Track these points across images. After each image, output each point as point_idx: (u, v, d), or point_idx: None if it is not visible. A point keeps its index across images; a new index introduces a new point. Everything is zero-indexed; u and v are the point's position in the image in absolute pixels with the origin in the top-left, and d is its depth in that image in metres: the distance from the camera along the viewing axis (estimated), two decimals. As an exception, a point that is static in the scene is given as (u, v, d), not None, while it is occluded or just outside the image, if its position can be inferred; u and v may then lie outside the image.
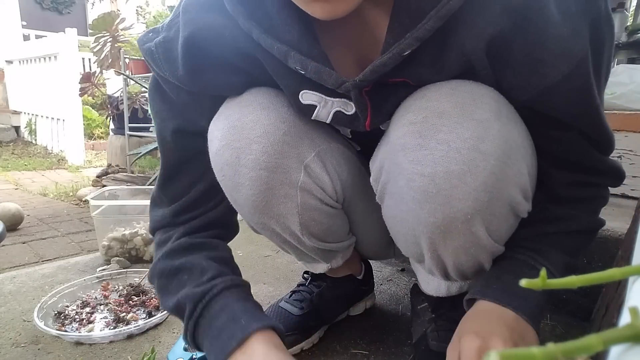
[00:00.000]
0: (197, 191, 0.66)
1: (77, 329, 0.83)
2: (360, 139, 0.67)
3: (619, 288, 0.65)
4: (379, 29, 0.51)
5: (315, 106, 0.56)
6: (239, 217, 0.70)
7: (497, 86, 0.51)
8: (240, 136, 0.56)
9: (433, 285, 0.66)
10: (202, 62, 0.55)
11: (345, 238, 0.73)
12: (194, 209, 0.66)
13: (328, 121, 0.57)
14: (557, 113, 0.51)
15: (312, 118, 0.57)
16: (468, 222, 0.48)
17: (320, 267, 0.74)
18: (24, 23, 6.99)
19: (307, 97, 0.55)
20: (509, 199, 0.49)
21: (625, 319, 0.16)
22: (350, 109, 0.54)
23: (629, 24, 2.02)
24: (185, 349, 0.75)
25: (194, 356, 0.72)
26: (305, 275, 0.87)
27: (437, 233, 0.50)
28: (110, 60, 3.24)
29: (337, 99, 0.54)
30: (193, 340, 0.59)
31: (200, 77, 0.57)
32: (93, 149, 4.65)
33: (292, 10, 0.47)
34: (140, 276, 1.02)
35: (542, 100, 0.50)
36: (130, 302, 0.92)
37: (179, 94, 0.60)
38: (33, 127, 4.62)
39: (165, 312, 0.88)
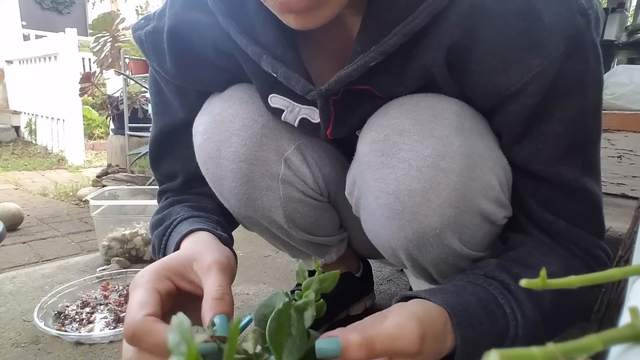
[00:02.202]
0: (178, 183, 0.69)
1: (77, 329, 0.83)
2: (339, 142, 0.67)
3: (618, 288, 0.65)
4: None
5: (283, 110, 0.56)
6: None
7: (463, 96, 0.50)
8: (221, 129, 0.58)
9: (424, 288, 0.66)
10: (186, 56, 0.57)
11: (336, 232, 0.73)
12: (180, 193, 0.69)
13: (295, 125, 0.58)
14: (512, 132, 0.50)
15: (282, 119, 0.58)
16: (439, 236, 0.48)
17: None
18: (24, 23, 6.99)
19: (276, 100, 0.56)
20: (479, 210, 0.48)
21: (625, 319, 0.16)
22: (316, 117, 0.54)
23: (629, 24, 2.02)
24: None
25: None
26: (304, 275, 0.87)
27: (411, 246, 0.50)
28: (110, 60, 3.24)
29: (305, 106, 0.55)
30: None
31: (186, 71, 0.58)
32: (93, 149, 4.65)
33: (271, 12, 0.47)
34: (140, 276, 1.02)
35: (501, 114, 0.49)
36: (130, 302, 0.92)
37: (167, 84, 0.63)
38: (33, 127, 4.61)
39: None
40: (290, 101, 0.55)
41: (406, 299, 0.45)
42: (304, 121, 0.56)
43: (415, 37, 0.45)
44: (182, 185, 0.68)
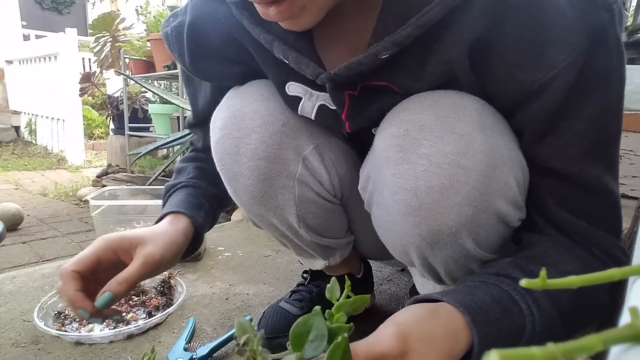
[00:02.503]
0: (199, 146, 0.79)
1: (77, 329, 0.83)
2: (356, 139, 0.67)
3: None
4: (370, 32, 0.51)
5: (301, 98, 0.56)
6: (236, 217, 0.72)
7: (483, 94, 0.50)
8: (240, 126, 0.58)
9: (428, 287, 0.66)
10: (202, 50, 0.59)
11: (344, 235, 0.73)
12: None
13: (313, 116, 0.57)
14: (535, 129, 0.49)
15: (299, 113, 0.58)
16: (454, 235, 0.47)
17: (318, 264, 0.75)
18: (24, 23, 6.99)
19: (293, 88, 0.56)
20: (496, 211, 0.47)
21: (625, 319, 0.16)
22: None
23: (629, 24, 2.02)
24: (185, 349, 0.75)
25: (193, 356, 0.72)
26: (304, 275, 0.87)
27: (424, 244, 0.50)
28: (110, 60, 3.24)
29: (323, 93, 0.55)
30: None
31: (201, 63, 0.61)
32: (93, 149, 4.65)
33: None
34: (140, 276, 1.02)
35: (523, 112, 0.48)
36: (130, 302, 0.92)
37: (188, 78, 0.68)
38: (33, 127, 4.62)
39: (165, 312, 0.88)
40: (308, 88, 0.55)
41: (416, 301, 0.45)
42: (322, 108, 0.56)
43: (437, 32, 0.45)
44: (201, 148, 0.78)
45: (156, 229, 0.61)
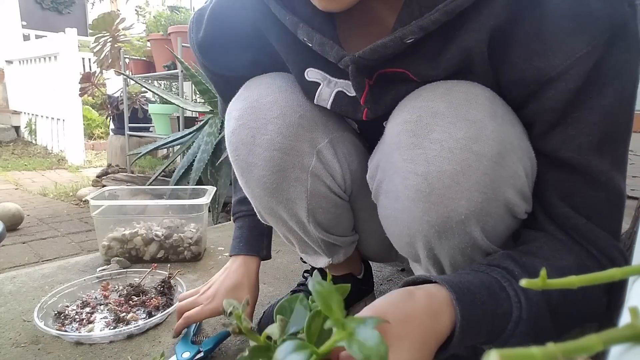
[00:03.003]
0: None
1: (77, 329, 0.83)
2: (367, 133, 0.68)
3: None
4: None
5: (319, 84, 0.57)
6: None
7: (496, 85, 0.51)
8: (257, 116, 0.59)
9: None
10: (219, 35, 0.61)
11: (349, 233, 0.74)
12: None
13: (329, 104, 0.58)
14: (549, 119, 0.49)
15: (315, 102, 0.59)
16: (463, 223, 0.47)
17: (322, 262, 0.75)
18: (24, 23, 6.98)
19: (312, 74, 0.57)
20: (505, 200, 0.47)
21: (625, 319, 0.16)
22: (352, 90, 0.55)
23: None
24: (193, 342, 0.75)
25: (200, 349, 0.72)
26: (305, 274, 0.87)
27: (432, 232, 0.49)
28: (110, 60, 3.24)
29: (341, 80, 0.55)
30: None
31: (212, 50, 0.64)
32: (93, 149, 4.65)
33: None
34: (140, 276, 1.02)
35: (537, 102, 0.48)
36: (130, 302, 0.92)
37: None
38: (33, 127, 4.61)
39: (165, 312, 0.88)
40: (327, 75, 0.56)
41: (407, 283, 0.46)
42: (339, 95, 0.57)
43: (460, 18, 0.45)
44: None
45: (240, 281, 0.77)
